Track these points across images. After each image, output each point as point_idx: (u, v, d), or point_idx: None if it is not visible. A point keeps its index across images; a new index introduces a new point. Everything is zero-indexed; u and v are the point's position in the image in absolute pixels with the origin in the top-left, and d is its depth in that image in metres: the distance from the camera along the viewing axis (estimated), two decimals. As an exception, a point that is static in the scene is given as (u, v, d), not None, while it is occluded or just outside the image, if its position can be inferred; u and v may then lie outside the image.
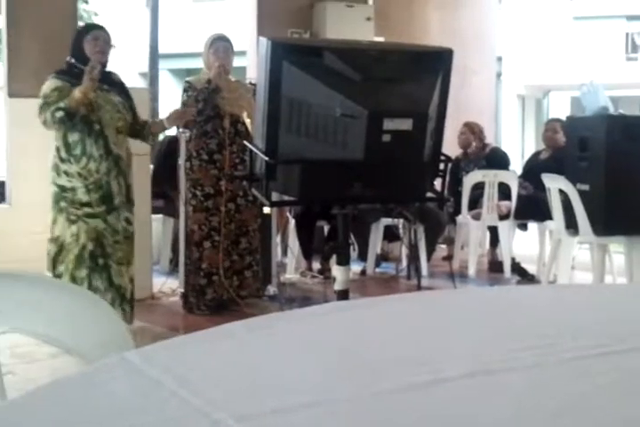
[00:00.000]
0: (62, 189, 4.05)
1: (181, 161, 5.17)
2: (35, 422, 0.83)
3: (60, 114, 3.90)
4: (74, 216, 4.02)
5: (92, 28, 4.30)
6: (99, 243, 4.05)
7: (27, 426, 0.82)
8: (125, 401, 0.86)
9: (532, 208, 6.15)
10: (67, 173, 4.04)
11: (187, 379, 0.91)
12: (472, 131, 6.78)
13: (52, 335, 1.32)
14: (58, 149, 4.06)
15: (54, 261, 4.07)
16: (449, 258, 6.54)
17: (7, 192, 5.72)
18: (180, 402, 0.84)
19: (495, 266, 6.49)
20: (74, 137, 4.02)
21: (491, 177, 6.32)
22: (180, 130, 5.14)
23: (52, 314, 1.32)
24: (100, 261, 4.05)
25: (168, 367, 0.96)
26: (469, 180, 6.38)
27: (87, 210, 4.03)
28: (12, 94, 5.42)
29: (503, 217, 6.32)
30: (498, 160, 6.67)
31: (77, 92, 3.88)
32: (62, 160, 4.04)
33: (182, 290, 5.20)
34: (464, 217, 6.46)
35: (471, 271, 6.30)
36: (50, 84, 4.00)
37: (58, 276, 4.01)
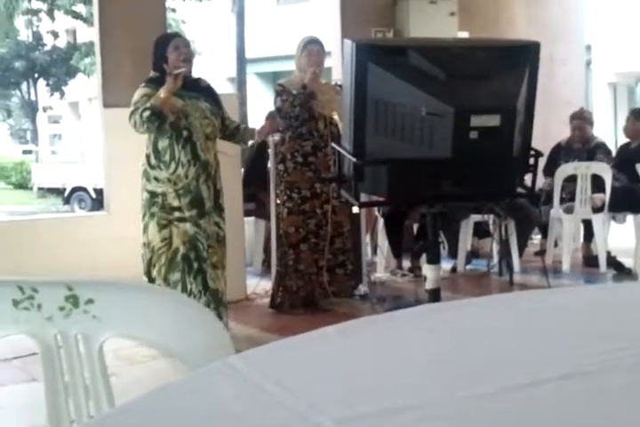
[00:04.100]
0: (153, 194, 4.16)
1: (271, 164, 5.23)
2: None
3: (147, 113, 4.01)
4: (164, 221, 4.12)
5: (170, 37, 4.35)
6: (192, 246, 4.12)
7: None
8: (229, 406, 0.89)
9: (626, 200, 5.99)
10: (157, 179, 4.14)
11: (286, 383, 0.94)
12: (588, 121, 6.55)
13: (155, 340, 1.37)
14: (148, 156, 4.18)
15: (148, 266, 4.19)
16: (542, 253, 6.42)
17: (105, 200, 5.91)
18: (281, 406, 0.86)
19: (590, 260, 6.34)
20: (163, 143, 4.12)
21: (583, 169, 6.16)
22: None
23: (155, 320, 1.37)
24: (194, 264, 4.12)
25: (268, 372, 0.99)
26: (561, 173, 6.24)
27: (178, 214, 4.13)
28: (106, 104, 5.60)
29: (597, 210, 6.17)
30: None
31: (162, 91, 4.00)
32: (152, 167, 4.16)
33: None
34: (556, 211, 6.33)
35: (565, 266, 6.17)
36: (139, 92, 4.13)
37: (151, 280, 4.12)
